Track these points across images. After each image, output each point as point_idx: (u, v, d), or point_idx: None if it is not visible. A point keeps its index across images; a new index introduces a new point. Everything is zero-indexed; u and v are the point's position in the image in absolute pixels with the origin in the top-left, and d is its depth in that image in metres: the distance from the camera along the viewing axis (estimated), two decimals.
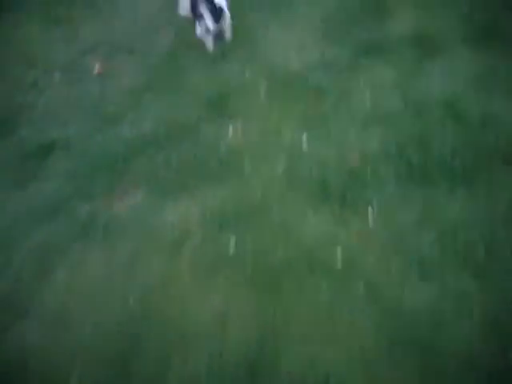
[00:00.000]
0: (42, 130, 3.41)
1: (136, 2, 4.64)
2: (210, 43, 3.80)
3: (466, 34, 3.50)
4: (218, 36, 3.80)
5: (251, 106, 3.26)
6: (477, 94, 3.05)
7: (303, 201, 2.65)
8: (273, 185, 2.75)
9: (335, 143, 2.91)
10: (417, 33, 3.56)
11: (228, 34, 3.86)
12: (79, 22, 4.50)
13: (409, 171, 2.68)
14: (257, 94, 3.35)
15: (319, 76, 3.37)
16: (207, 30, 3.72)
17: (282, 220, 2.58)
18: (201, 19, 3.73)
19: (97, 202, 2.83)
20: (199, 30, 3.78)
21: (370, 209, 2.53)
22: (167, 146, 3.08)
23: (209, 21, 3.69)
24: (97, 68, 3.91)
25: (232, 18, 3.78)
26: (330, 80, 3.32)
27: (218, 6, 3.69)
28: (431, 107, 2.99)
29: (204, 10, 3.67)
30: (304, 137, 2.97)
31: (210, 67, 3.68)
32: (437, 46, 3.41)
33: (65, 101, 3.63)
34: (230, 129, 3.13)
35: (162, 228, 2.64)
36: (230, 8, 3.77)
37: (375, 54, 3.44)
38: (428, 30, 3.56)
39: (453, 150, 2.74)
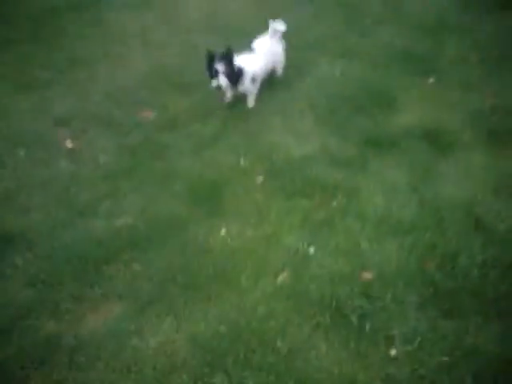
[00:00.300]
0: (0, 218, 2.89)
1: (116, 71, 4.29)
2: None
3: (478, 130, 3.31)
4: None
5: (247, 202, 2.86)
6: (497, 199, 2.79)
7: (310, 328, 2.21)
8: (274, 303, 2.30)
9: (345, 253, 2.51)
10: (425, 126, 3.33)
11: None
12: (52, 89, 4.09)
13: (434, 295, 2.30)
14: (253, 187, 2.97)
15: (323, 170, 3.04)
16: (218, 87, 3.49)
17: (287, 351, 2.12)
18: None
19: (62, 317, 2.30)
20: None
21: (393, 346, 2.12)
22: (148, 248, 2.60)
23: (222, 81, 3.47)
24: (69, 143, 3.46)
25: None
26: (335, 176, 2.99)
27: (237, 67, 3.52)
28: (450, 214, 2.68)
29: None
30: (308, 243, 2.58)
31: (199, 151, 3.30)
32: (448, 142, 3.18)
33: (29, 183, 3.12)
34: (223, 230, 2.70)
35: (141, 354, 2.13)
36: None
37: (383, 149, 3.16)
38: (437, 124, 3.35)
39: (481, 266, 2.41)
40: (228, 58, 3.44)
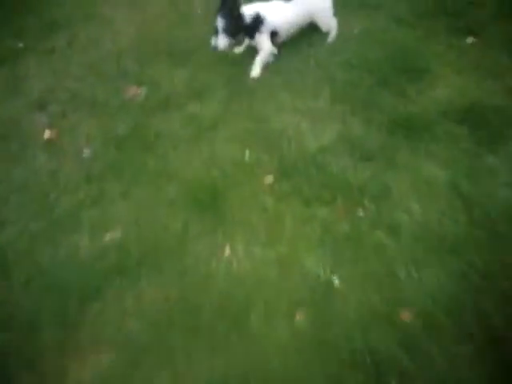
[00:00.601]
0: None
1: (99, 37, 3.67)
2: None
3: None
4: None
5: (254, 210, 2.40)
6: None
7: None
8: (292, 354, 1.91)
9: (377, 283, 2.08)
10: (466, 103, 2.74)
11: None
12: (26, 61, 3.52)
13: (491, 342, 1.89)
14: (261, 190, 2.49)
15: (344, 165, 2.53)
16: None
17: None
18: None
19: (42, 369, 1.97)
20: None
21: None
22: (141, 275, 2.21)
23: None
24: (47, 133, 2.98)
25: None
26: (359, 173, 2.48)
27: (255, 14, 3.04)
28: (507, 226, 2.21)
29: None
30: (331, 269, 2.16)
31: (196, 142, 2.79)
32: (496, 126, 2.61)
33: (2, 188, 2.69)
34: (228, 250, 2.28)
35: None
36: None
37: (415, 135, 2.61)
38: (480, 99, 2.75)
39: None
40: (230, 7, 2.89)
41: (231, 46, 3.12)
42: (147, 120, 2.97)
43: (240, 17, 2.97)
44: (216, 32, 2.93)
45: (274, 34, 3.15)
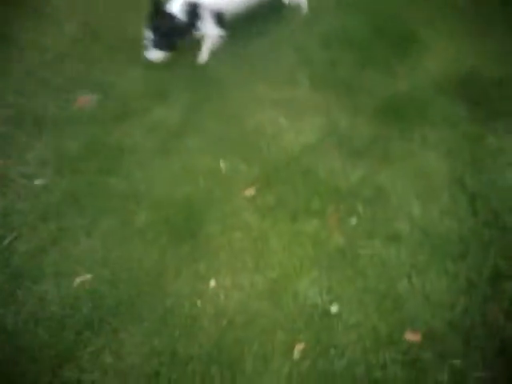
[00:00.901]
0: None
1: (39, 37, 3.21)
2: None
3: None
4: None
5: (236, 230, 2.13)
6: None
7: None
8: None
9: (378, 302, 1.87)
10: (463, 77, 2.44)
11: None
12: None
13: (501, 352, 1.72)
14: (242, 205, 2.21)
15: (332, 165, 2.26)
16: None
17: None
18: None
19: None
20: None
21: None
22: (118, 325, 1.95)
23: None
24: None
25: None
26: (350, 173, 2.22)
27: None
28: None
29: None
30: (327, 291, 1.93)
31: (164, 154, 2.46)
32: (494, 101, 2.33)
33: None
34: (213, 282, 2.02)
35: None
36: None
37: (408, 120, 2.34)
38: (478, 71, 2.46)
39: None
40: (157, 15, 2.54)
41: (168, 56, 2.75)
42: (104, 133, 2.62)
43: (172, 23, 2.58)
44: (148, 44, 2.58)
45: (219, 16, 2.75)
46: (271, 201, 2.20)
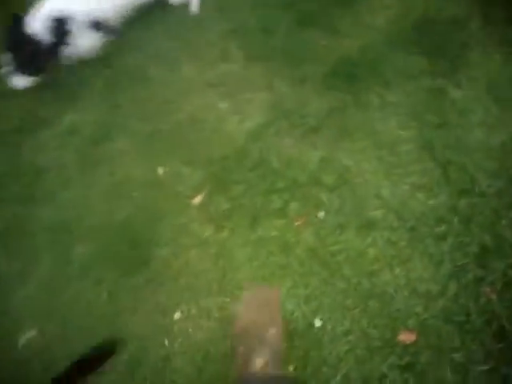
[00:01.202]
0: None
1: None
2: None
3: (494, 15, 2.10)
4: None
5: (193, 252, 1.83)
6: None
7: None
8: None
9: (364, 304, 1.67)
10: (414, 24, 2.13)
11: None
12: None
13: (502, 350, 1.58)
14: (193, 217, 1.89)
15: (285, 152, 1.97)
16: None
17: None
18: None
19: None
20: None
21: None
22: None
23: None
24: None
25: None
26: (306, 155, 1.94)
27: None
28: (492, 179, 1.80)
29: None
30: (305, 301, 1.71)
31: (89, 165, 2.08)
32: (454, 47, 2.07)
33: None
34: (177, 314, 1.77)
35: None
36: None
37: (363, 87, 2.05)
38: (431, 18, 2.15)
39: None
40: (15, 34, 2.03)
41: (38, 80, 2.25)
42: (14, 152, 2.19)
43: (33, 44, 2.07)
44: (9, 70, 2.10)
45: (98, 25, 2.25)
46: (225, 206, 1.90)
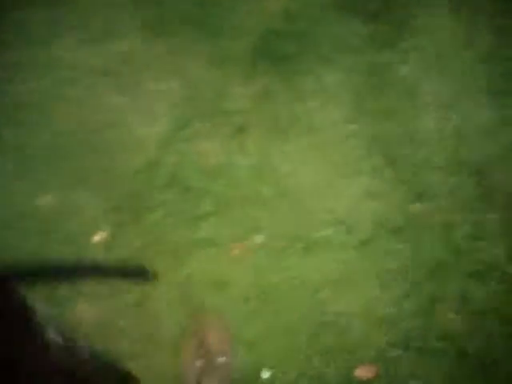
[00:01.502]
0: None
1: None
2: None
3: None
4: None
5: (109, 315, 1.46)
6: None
7: None
8: None
9: (314, 350, 1.45)
10: None
11: None
12: None
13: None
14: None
15: (211, 164, 1.56)
16: None
17: None
18: None
19: None
20: None
21: None
22: None
23: None
24: None
25: None
26: (236, 169, 1.56)
27: None
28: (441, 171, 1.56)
29: None
30: (254, 354, 1.43)
31: None
32: (397, 9, 1.69)
33: None
34: None
35: None
36: None
37: (295, 59, 1.65)
38: None
39: None
40: None
41: None
42: None
43: None
44: None
45: None
46: (137, 243, 1.51)
